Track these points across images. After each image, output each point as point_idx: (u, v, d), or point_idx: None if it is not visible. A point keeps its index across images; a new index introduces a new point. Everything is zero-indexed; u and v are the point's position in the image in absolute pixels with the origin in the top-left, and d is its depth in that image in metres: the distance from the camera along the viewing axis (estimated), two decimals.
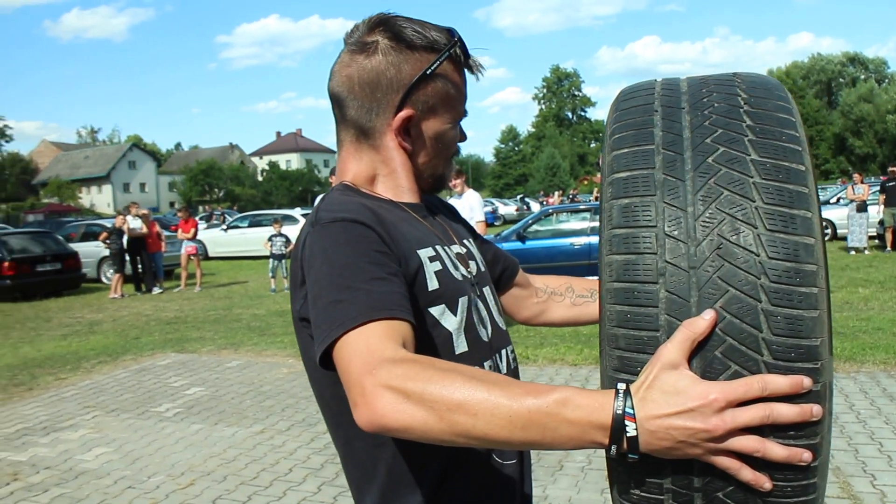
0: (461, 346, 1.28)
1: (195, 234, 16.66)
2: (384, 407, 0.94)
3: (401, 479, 1.26)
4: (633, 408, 0.89)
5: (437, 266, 1.29)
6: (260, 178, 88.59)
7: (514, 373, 1.44)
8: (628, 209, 0.97)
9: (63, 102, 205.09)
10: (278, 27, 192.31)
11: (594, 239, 11.42)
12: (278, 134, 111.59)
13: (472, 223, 8.82)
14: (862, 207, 16.59)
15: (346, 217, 1.19)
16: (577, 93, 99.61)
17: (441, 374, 0.94)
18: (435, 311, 1.26)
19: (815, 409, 0.88)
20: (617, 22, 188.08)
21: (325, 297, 1.10)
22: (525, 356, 7.72)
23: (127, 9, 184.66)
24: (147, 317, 12.75)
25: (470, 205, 8.71)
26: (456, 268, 1.34)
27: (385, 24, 1.32)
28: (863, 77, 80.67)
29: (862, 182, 17.67)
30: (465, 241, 1.49)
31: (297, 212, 26.23)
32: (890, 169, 17.23)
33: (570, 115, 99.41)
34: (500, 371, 1.37)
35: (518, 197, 56.12)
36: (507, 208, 45.60)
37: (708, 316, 0.89)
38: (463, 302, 1.31)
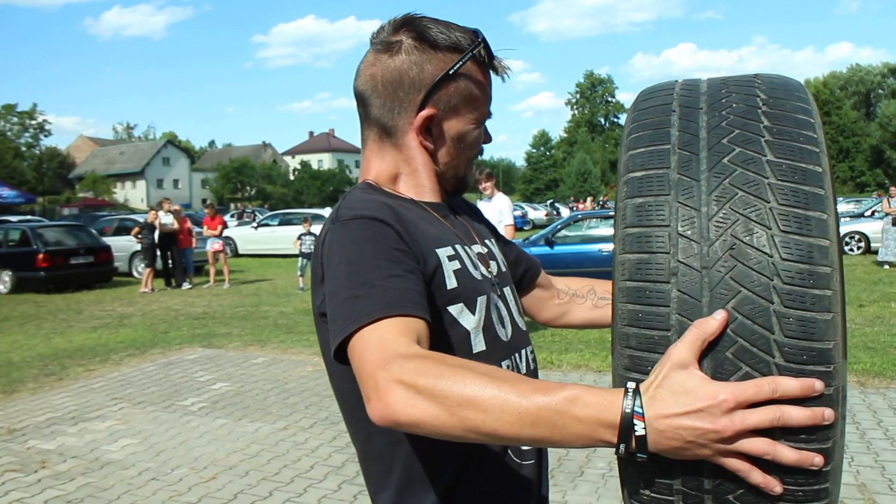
0: (479, 344, 1.29)
1: (221, 231, 16.77)
2: (396, 402, 0.95)
3: (417, 476, 1.27)
4: (642, 407, 0.88)
5: (456, 265, 1.29)
6: (291, 178, 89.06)
7: (533, 373, 1.44)
8: (642, 208, 0.97)
9: (101, 98, 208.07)
10: (314, 27, 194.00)
11: None
12: (311, 134, 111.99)
13: (501, 227, 8.82)
14: None
15: (366, 214, 1.20)
16: (610, 99, 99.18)
17: (452, 371, 0.94)
18: (453, 309, 1.26)
19: (826, 413, 0.87)
20: (653, 28, 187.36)
21: (342, 293, 1.11)
22: (549, 361, 7.70)
23: (166, 7, 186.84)
24: (176, 311, 12.89)
25: (499, 208, 8.71)
26: (476, 267, 1.34)
27: (410, 24, 1.33)
28: None
29: None
30: (486, 242, 1.49)
31: (326, 211, 26.30)
32: None
33: (602, 120, 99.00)
34: (519, 371, 1.37)
35: (548, 202, 55.95)
36: (537, 213, 45.51)
37: (719, 316, 0.89)
38: (481, 301, 1.31)
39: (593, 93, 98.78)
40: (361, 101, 1.38)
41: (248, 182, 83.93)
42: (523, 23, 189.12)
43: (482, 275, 1.35)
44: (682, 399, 0.87)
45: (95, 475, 4.96)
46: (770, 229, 0.89)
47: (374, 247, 1.15)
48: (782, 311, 0.87)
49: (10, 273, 16.61)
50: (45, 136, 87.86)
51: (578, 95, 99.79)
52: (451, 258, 1.29)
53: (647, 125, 1.04)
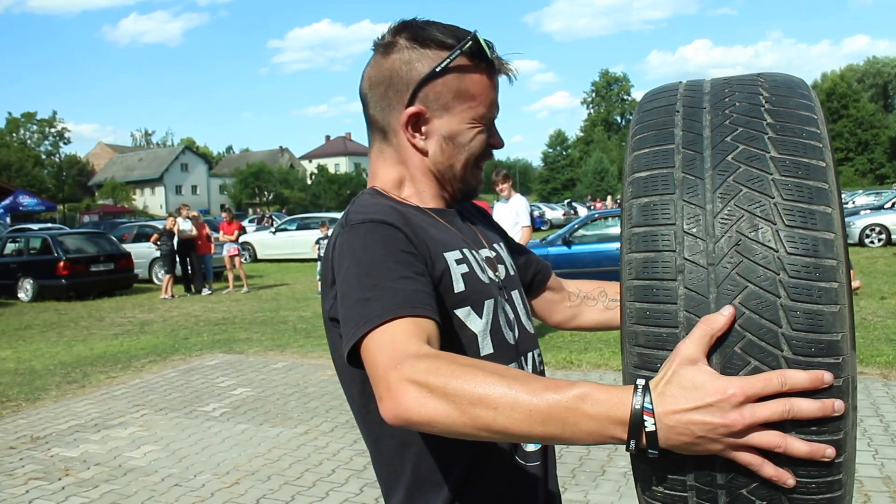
0: (486, 347, 1.30)
1: (238, 236, 16.80)
2: (408, 401, 0.96)
3: (426, 478, 1.29)
4: (651, 403, 0.89)
5: (464, 269, 1.31)
6: (309, 182, 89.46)
7: (540, 375, 1.45)
8: (647, 207, 0.98)
9: (119, 105, 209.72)
10: (330, 32, 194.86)
11: None
12: (327, 138, 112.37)
13: (518, 227, 8.82)
14: None
15: (375, 218, 1.22)
16: (626, 97, 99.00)
17: (463, 370, 0.95)
18: (461, 312, 1.28)
19: (836, 405, 0.87)
20: (668, 26, 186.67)
21: (352, 296, 1.13)
22: (569, 361, 7.70)
23: (182, 14, 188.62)
24: (196, 317, 12.96)
25: (516, 209, 8.73)
26: (483, 271, 1.35)
27: (407, 27, 1.34)
28: None
29: None
30: (495, 246, 1.50)
31: None
32: None
33: (618, 119, 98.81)
34: None
35: (565, 201, 55.86)
36: (554, 213, 45.48)
37: (726, 312, 0.89)
38: (489, 304, 1.32)
39: (609, 91, 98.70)
40: (363, 102, 1.40)
41: (265, 187, 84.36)
42: (537, 23, 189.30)
43: (490, 278, 1.36)
44: (692, 394, 0.87)
45: (119, 482, 5.00)
46: (775, 224, 0.90)
47: (383, 249, 1.17)
48: (789, 305, 0.87)
49: (32, 281, 16.74)
50: (65, 143, 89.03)
51: (594, 94, 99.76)
52: (458, 262, 1.31)
53: (651, 126, 1.05)
